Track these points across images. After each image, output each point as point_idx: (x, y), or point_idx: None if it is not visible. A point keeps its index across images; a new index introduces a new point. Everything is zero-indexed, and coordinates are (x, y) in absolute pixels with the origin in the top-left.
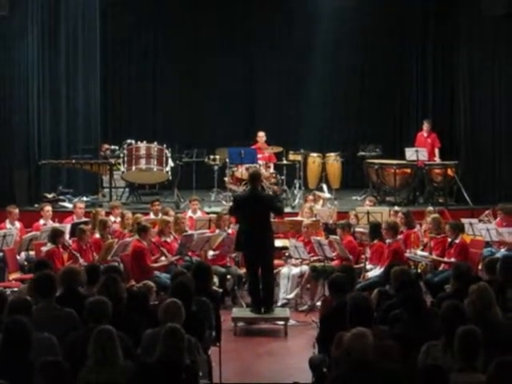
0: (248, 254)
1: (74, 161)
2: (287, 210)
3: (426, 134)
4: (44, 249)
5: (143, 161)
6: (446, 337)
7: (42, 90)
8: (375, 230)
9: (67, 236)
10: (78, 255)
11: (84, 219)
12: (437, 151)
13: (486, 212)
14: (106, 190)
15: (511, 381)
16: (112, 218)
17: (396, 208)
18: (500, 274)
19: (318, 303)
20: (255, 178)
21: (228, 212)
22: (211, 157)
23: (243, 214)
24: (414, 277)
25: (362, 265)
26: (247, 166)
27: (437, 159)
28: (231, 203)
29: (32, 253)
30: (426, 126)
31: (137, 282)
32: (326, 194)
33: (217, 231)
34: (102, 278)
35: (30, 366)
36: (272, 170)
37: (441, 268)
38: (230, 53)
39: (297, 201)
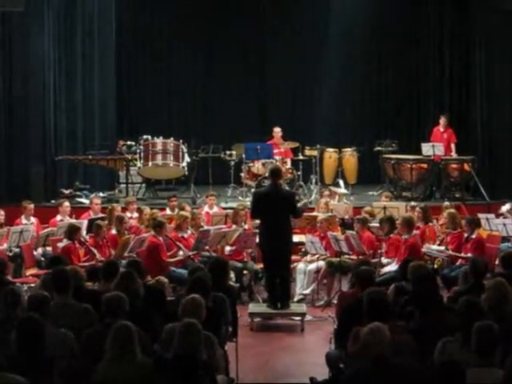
0: (266, 249)
1: (90, 156)
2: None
3: (442, 129)
4: (60, 245)
5: (159, 156)
6: (463, 332)
7: (59, 85)
8: (390, 224)
9: (84, 232)
10: (95, 251)
11: (100, 215)
12: (453, 146)
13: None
14: (123, 186)
15: None
16: (128, 214)
17: (412, 203)
18: None
19: (335, 298)
20: (275, 173)
21: (250, 215)
22: (227, 152)
23: (263, 210)
24: (431, 272)
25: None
26: (263, 161)
27: (453, 154)
28: (250, 203)
29: (49, 248)
30: (442, 120)
31: (152, 278)
32: (343, 190)
33: (233, 227)
34: (120, 272)
35: (46, 361)
36: (288, 166)
37: (458, 263)
38: (245, 48)
39: (313, 196)
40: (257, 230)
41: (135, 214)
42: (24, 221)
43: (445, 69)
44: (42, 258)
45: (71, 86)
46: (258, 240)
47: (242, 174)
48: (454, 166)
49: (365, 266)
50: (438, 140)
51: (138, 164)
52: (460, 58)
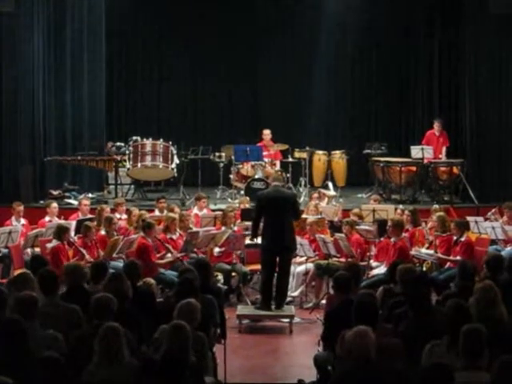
0: (269, 249)
1: (79, 157)
2: None
3: (437, 133)
4: (49, 245)
5: (149, 158)
6: (451, 335)
7: (48, 86)
8: (383, 226)
9: (72, 233)
10: (84, 252)
11: (89, 216)
12: (444, 150)
13: (493, 210)
14: (112, 187)
15: None
16: (117, 215)
17: (401, 206)
18: (507, 272)
19: (323, 301)
20: (277, 177)
21: (255, 219)
22: (217, 154)
23: (267, 211)
24: (422, 275)
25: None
26: (253, 163)
27: (442, 157)
28: (254, 206)
29: (37, 249)
30: (436, 125)
31: (141, 279)
32: (332, 192)
33: (223, 228)
34: (109, 274)
35: (33, 363)
36: (278, 168)
37: (446, 266)
38: (236, 50)
39: (302, 198)
40: (247, 232)
41: (124, 216)
42: (14, 222)
43: (434, 73)
44: None
45: (60, 87)
46: (247, 242)
47: (231, 176)
48: (443, 168)
49: (342, 271)
50: (432, 143)
51: (127, 165)
52: (449, 61)
